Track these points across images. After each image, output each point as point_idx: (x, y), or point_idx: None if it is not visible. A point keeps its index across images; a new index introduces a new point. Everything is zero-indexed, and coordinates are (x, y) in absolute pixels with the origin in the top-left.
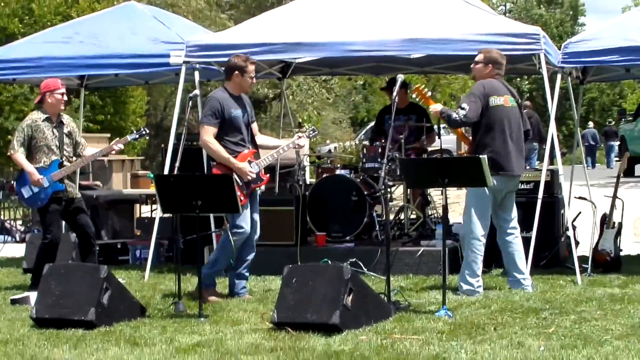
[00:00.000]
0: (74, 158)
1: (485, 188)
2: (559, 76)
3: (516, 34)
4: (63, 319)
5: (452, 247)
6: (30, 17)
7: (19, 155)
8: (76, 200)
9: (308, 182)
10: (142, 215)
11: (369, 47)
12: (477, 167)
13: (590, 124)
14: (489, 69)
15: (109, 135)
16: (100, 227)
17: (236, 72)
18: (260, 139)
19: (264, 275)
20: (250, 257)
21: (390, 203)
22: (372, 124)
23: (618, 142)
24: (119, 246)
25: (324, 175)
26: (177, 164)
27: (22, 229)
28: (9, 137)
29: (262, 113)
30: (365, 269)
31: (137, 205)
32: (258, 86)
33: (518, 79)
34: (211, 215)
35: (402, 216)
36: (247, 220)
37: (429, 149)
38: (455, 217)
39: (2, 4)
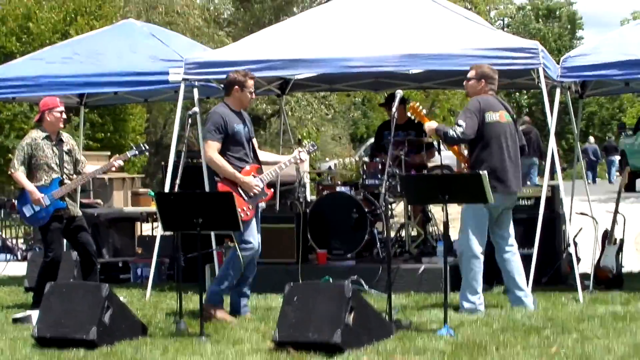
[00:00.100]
0: (75, 176)
1: (483, 205)
2: (558, 90)
3: (514, 48)
4: (64, 339)
5: (454, 264)
6: (28, 36)
7: (20, 174)
8: (77, 219)
9: (309, 200)
10: (143, 233)
11: (368, 63)
12: (477, 183)
13: (591, 139)
14: (482, 84)
15: (108, 153)
16: (101, 245)
17: (236, 87)
18: (260, 155)
19: (265, 293)
20: (252, 275)
21: (391, 220)
22: (371, 140)
23: (618, 157)
24: (120, 264)
25: (325, 193)
26: (177, 182)
27: (24, 247)
28: (10, 155)
29: (262, 130)
30: (367, 287)
31: (138, 223)
32: (257, 102)
33: (517, 94)
34: (212, 233)
35: (403, 233)
36: (254, 235)
37: (429, 164)
38: (456, 233)
39: (0, 23)
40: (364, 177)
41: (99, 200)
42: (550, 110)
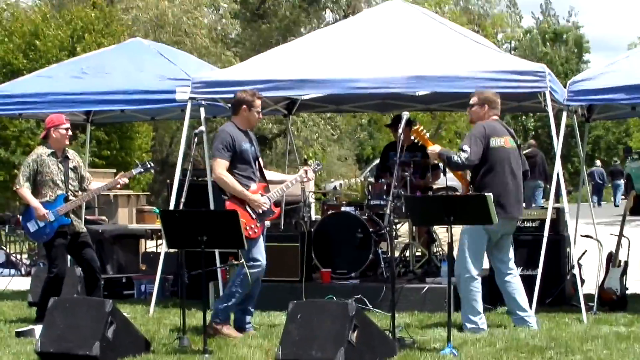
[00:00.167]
0: (80, 192)
1: (482, 229)
2: (564, 114)
3: (522, 71)
4: (67, 354)
5: None
6: (35, 53)
7: (25, 190)
8: (82, 235)
9: (313, 219)
10: (148, 250)
11: (374, 84)
12: (482, 205)
13: (598, 162)
14: (485, 109)
15: (114, 170)
16: (105, 261)
17: (244, 106)
18: (266, 174)
19: (268, 311)
20: (257, 292)
21: (396, 240)
22: (377, 161)
23: (624, 181)
24: (124, 280)
25: (330, 212)
26: (182, 200)
27: (28, 262)
28: (15, 171)
29: (268, 149)
30: (370, 306)
31: (143, 240)
32: (263, 122)
33: (523, 117)
34: (216, 251)
35: (407, 253)
36: (262, 252)
37: (434, 186)
38: None
39: (7, 40)
40: (369, 197)
41: (103, 217)
42: (557, 133)
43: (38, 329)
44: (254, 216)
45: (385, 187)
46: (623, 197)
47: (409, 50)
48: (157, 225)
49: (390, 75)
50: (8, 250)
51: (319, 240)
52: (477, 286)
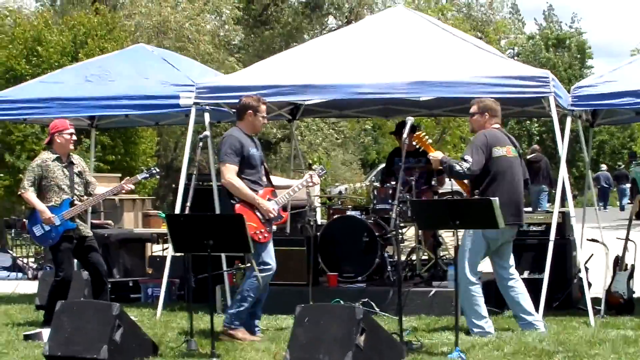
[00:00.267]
0: (85, 197)
1: (481, 237)
2: (569, 119)
3: (525, 77)
4: (75, 357)
5: None
6: (37, 59)
7: (30, 194)
8: (88, 239)
9: (319, 223)
10: (154, 254)
11: (378, 89)
12: (488, 209)
13: (603, 166)
14: (486, 117)
15: (119, 175)
16: (111, 265)
17: (249, 111)
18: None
19: (275, 315)
20: (265, 296)
21: (402, 244)
22: (382, 165)
23: (629, 185)
24: (130, 284)
25: (335, 216)
26: (188, 204)
27: (35, 266)
28: (20, 176)
29: (272, 154)
30: (378, 309)
31: (149, 244)
32: (267, 127)
33: (527, 122)
34: (223, 255)
35: (413, 257)
36: (272, 256)
37: (440, 190)
38: None
39: (9, 45)
40: (375, 201)
41: (109, 221)
42: (561, 138)
43: (46, 332)
44: (263, 221)
45: (390, 192)
46: (629, 201)
47: (412, 56)
48: (163, 229)
49: (393, 80)
50: (15, 254)
51: (325, 244)
52: (478, 291)
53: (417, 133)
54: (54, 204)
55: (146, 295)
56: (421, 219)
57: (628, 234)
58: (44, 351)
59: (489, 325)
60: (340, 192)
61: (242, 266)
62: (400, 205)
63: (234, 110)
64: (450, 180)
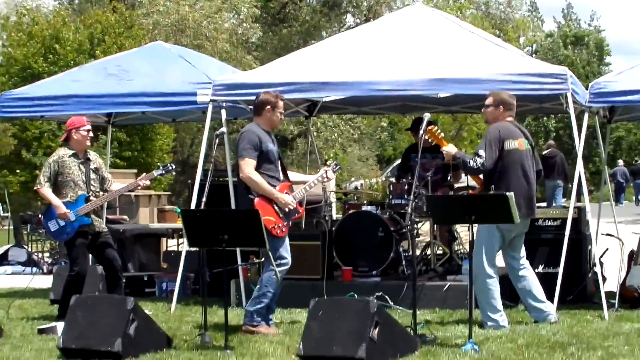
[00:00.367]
0: (101, 193)
1: (495, 229)
2: (586, 115)
3: (543, 74)
4: (89, 350)
5: None
6: (54, 56)
7: (46, 189)
8: (103, 234)
9: (334, 218)
10: (169, 249)
11: (396, 86)
12: (504, 204)
13: (620, 162)
14: (500, 110)
15: (135, 170)
16: (127, 260)
17: (268, 107)
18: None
19: (290, 308)
20: (279, 290)
21: (417, 239)
22: (398, 161)
23: None
24: (145, 278)
25: (351, 211)
26: (204, 199)
27: (50, 261)
28: (37, 172)
29: (289, 150)
30: (392, 303)
31: (164, 239)
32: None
33: (544, 118)
34: (237, 249)
35: (428, 252)
36: (288, 250)
37: (456, 185)
38: None
39: (27, 44)
40: (390, 197)
41: (125, 217)
42: (578, 134)
43: (60, 326)
44: (281, 215)
45: (406, 187)
46: None
47: (430, 53)
48: (178, 224)
49: (411, 77)
50: (30, 249)
51: (340, 239)
52: (495, 284)
53: (429, 127)
54: (69, 200)
55: (161, 289)
56: (437, 214)
57: None
58: (58, 344)
59: (504, 319)
60: (356, 188)
61: (257, 261)
62: (416, 200)
63: (250, 107)
64: (466, 176)
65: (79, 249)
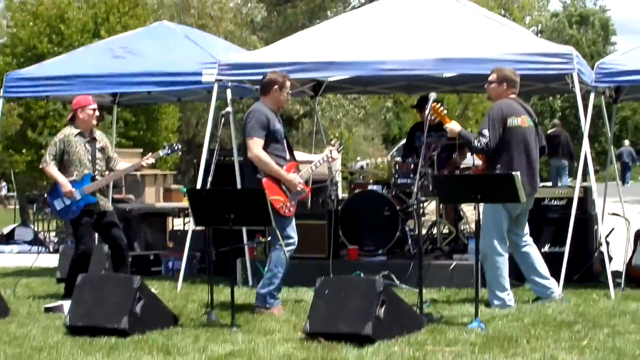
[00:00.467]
0: (107, 172)
1: (501, 206)
2: (592, 95)
3: (549, 53)
4: (96, 327)
5: None
6: (58, 36)
7: (52, 167)
8: (108, 214)
9: (340, 197)
10: (175, 228)
11: (401, 66)
12: (510, 184)
13: (626, 142)
14: (504, 87)
15: (141, 150)
16: (133, 239)
17: (275, 86)
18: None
19: (296, 287)
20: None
21: (423, 218)
22: (404, 141)
23: None
24: (151, 257)
25: (357, 191)
26: (210, 179)
27: (56, 240)
28: (42, 151)
29: (294, 130)
30: (398, 282)
31: (170, 218)
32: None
33: (550, 97)
34: (243, 228)
35: (434, 231)
36: (295, 230)
37: (462, 165)
38: None
39: (31, 24)
40: (396, 176)
41: (131, 196)
42: (584, 114)
43: (66, 304)
44: (288, 195)
45: (412, 166)
46: None
47: (436, 33)
48: (184, 203)
49: (417, 57)
50: (36, 229)
51: (346, 218)
52: (503, 262)
53: (432, 104)
54: (75, 179)
55: (167, 268)
56: (443, 193)
57: None
58: (64, 322)
59: (510, 298)
60: (361, 167)
61: (263, 239)
62: (422, 180)
63: (256, 87)
64: (472, 155)
65: (85, 227)
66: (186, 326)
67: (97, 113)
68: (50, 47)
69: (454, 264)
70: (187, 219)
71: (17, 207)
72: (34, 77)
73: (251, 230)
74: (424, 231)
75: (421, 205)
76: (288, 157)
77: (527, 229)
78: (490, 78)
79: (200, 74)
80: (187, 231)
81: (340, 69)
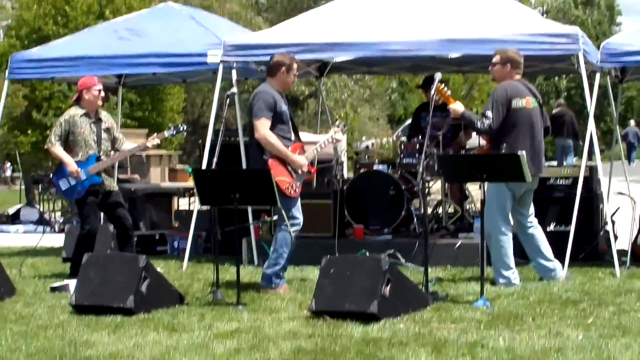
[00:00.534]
0: (112, 153)
1: (505, 186)
2: (597, 75)
3: (555, 34)
4: (102, 306)
5: None
6: (63, 18)
7: (57, 148)
8: (113, 194)
9: (345, 177)
10: (180, 208)
11: (407, 47)
12: (515, 163)
13: (632, 122)
14: (508, 68)
15: (146, 130)
16: (138, 219)
17: (283, 68)
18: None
19: (301, 266)
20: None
21: (428, 197)
22: (409, 121)
23: None
24: (157, 237)
25: (362, 170)
26: (215, 159)
27: (61, 220)
28: (47, 132)
29: (300, 111)
30: (403, 260)
31: (175, 198)
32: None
33: (556, 78)
34: (249, 207)
35: (439, 210)
36: (300, 210)
37: (467, 145)
38: None
39: (36, 6)
40: (402, 156)
41: (136, 176)
42: (590, 94)
43: (72, 284)
44: (294, 176)
45: (417, 146)
46: None
47: (441, 13)
48: (189, 183)
49: (422, 38)
50: (42, 209)
51: (352, 198)
52: (507, 241)
53: (437, 85)
54: (80, 159)
55: (172, 248)
56: (448, 173)
57: None
58: (70, 301)
59: (515, 276)
60: (367, 147)
61: (268, 219)
62: (427, 159)
63: (261, 67)
64: (478, 136)
65: (90, 207)
66: (192, 305)
67: (102, 94)
68: (55, 29)
69: (459, 242)
70: (192, 199)
71: (23, 187)
72: (39, 58)
73: (257, 210)
74: (429, 210)
75: (426, 184)
76: (293, 138)
77: (532, 209)
78: (494, 59)
79: (205, 55)
80: (192, 211)
81: (346, 49)
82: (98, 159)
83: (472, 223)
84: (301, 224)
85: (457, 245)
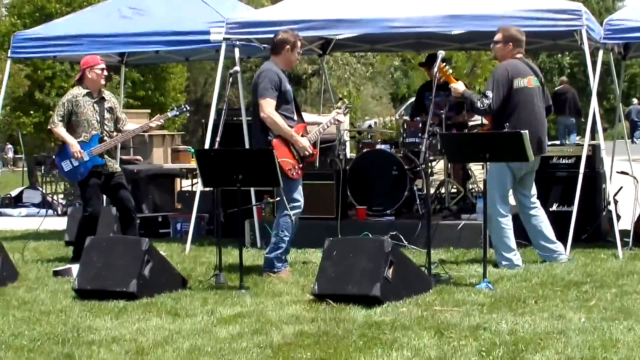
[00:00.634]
0: (115, 133)
1: (505, 167)
2: (600, 52)
3: (558, 10)
4: (105, 291)
5: None
6: None
7: (60, 128)
8: (116, 175)
9: (348, 157)
10: (183, 189)
11: (410, 23)
12: (518, 142)
13: (635, 100)
14: (510, 47)
15: (149, 110)
16: (141, 201)
17: (287, 46)
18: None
19: (304, 248)
20: (294, 232)
21: (431, 177)
22: (412, 99)
23: None
24: (159, 219)
25: (365, 150)
26: (218, 139)
27: (64, 202)
28: (50, 112)
29: (302, 89)
30: (406, 242)
31: (178, 179)
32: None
33: (559, 54)
34: (252, 189)
35: (442, 190)
36: (301, 193)
37: (470, 123)
38: None
39: None
40: (405, 135)
41: (138, 157)
42: (593, 71)
43: (75, 268)
44: (297, 157)
45: (420, 125)
46: None
47: None
48: (192, 164)
49: (425, 14)
50: (44, 191)
51: (355, 178)
52: (509, 224)
53: (438, 63)
54: (83, 140)
55: (175, 230)
56: (451, 152)
57: None
58: (73, 285)
59: (517, 258)
60: (369, 126)
61: (271, 200)
62: (430, 139)
63: (264, 45)
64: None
65: (92, 189)
66: (195, 288)
67: (105, 73)
68: (57, 7)
69: (462, 223)
70: (195, 180)
71: (25, 169)
72: (42, 37)
73: (259, 192)
74: (432, 191)
75: (429, 164)
76: (296, 118)
77: (534, 190)
78: (495, 38)
79: (208, 33)
80: (195, 192)
81: (349, 26)
82: (101, 139)
83: (474, 203)
84: (302, 207)
85: (459, 226)
